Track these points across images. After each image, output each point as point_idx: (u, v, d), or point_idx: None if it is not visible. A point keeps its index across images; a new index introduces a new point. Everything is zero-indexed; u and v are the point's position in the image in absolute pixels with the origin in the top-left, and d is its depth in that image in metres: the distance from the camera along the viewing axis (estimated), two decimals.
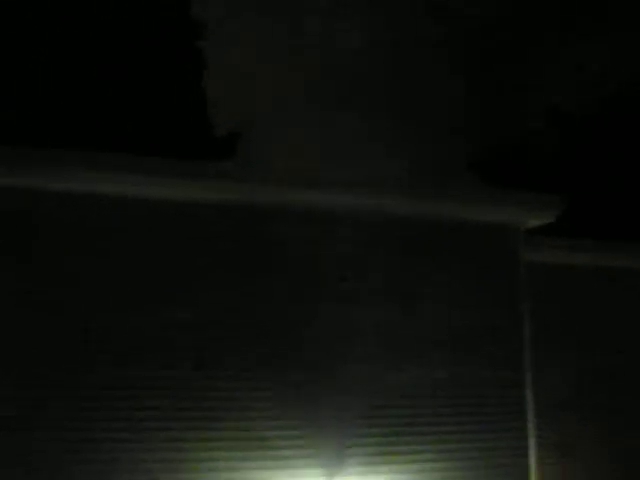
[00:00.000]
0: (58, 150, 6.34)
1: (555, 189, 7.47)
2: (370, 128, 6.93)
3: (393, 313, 6.72)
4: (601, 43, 9.33)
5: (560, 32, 8.80)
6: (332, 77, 6.98)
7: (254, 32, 7.31)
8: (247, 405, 6.26)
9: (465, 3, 7.43)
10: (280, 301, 6.49)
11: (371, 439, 6.49)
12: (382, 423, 6.51)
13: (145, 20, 10.91)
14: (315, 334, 6.51)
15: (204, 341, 6.25)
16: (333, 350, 6.53)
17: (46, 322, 5.98)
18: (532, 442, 6.92)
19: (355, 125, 6.89)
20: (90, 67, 10.44)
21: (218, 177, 6.48)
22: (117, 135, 10.07)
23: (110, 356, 6.03)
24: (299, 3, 7.05)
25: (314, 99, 6.90)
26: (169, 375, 6.13)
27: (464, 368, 6.79)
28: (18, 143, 6.72)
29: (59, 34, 10.32)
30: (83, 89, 10.21)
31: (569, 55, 8.99)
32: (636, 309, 8.09)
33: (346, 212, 6.73)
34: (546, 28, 8.55)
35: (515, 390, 6.94)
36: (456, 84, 7.26)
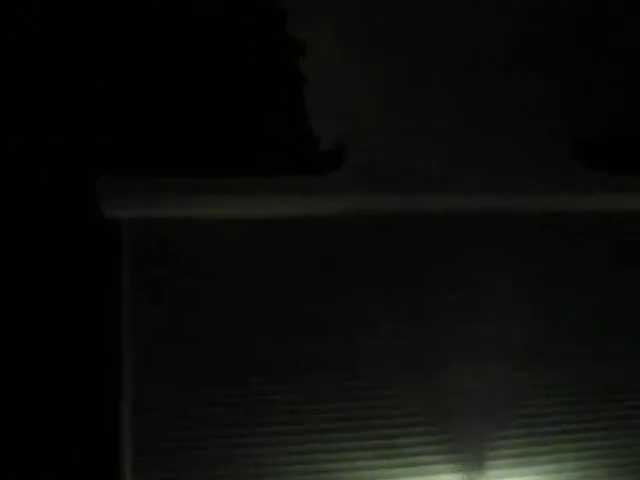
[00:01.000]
0: (186, 179, 6.53)
1: None
2: (476, 126, 6.90)
3: (530, 313, 6.65)
4: None
5: None
6: (435, 80, 6.97)
7: (355, 44, 7.36)
8: (384, 408, 6.31)
9: None
10: (416, 309, 6.53)
11: (512, 441, 6.42)
12: (523, 423, 6.44)
13: (245, 40, 11.10)
14: (454, 338, 6.51)
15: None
16: (471, 352, 6.50)
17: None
18: None
19: (461, 126, 6.88)
20: (193, 93, 10.67)
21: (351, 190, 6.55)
22: (223, 158, 10.30)
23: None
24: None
25: (415, 106, 6.91)
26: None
27: (608, 363, 6.65)
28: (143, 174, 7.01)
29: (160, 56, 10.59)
30: (188, 115, 10.48)
31: None
32: None
33: (473, 214, 6.69)
34: None
35: None
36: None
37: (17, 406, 8.55)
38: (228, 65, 10.96)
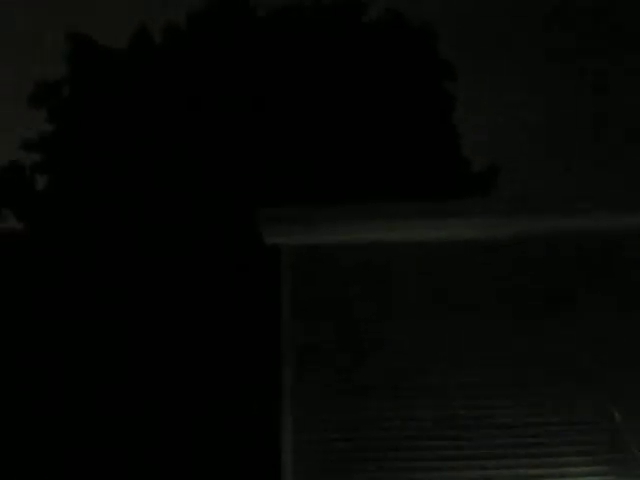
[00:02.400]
0: (352, 206, 6.87)
1: None
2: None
3: None
4: None
5: None
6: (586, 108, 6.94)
7: (503, 70, 7.44)
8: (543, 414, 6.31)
9: None
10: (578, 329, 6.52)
11: None
12: None
13: (395, 63, 11.25)
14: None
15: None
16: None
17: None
18: None
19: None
20: (345, 121, 11.00)
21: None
22: (376, 182, 10.58)
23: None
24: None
25: (567, 130, 6.89)
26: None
27: None
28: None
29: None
30: (341, 144, 10.88)
31: None
32: None
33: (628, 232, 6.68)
34: None
35: None
36: None
37: (184, 412, 9.09)
38: (377, 91, 11.19)
